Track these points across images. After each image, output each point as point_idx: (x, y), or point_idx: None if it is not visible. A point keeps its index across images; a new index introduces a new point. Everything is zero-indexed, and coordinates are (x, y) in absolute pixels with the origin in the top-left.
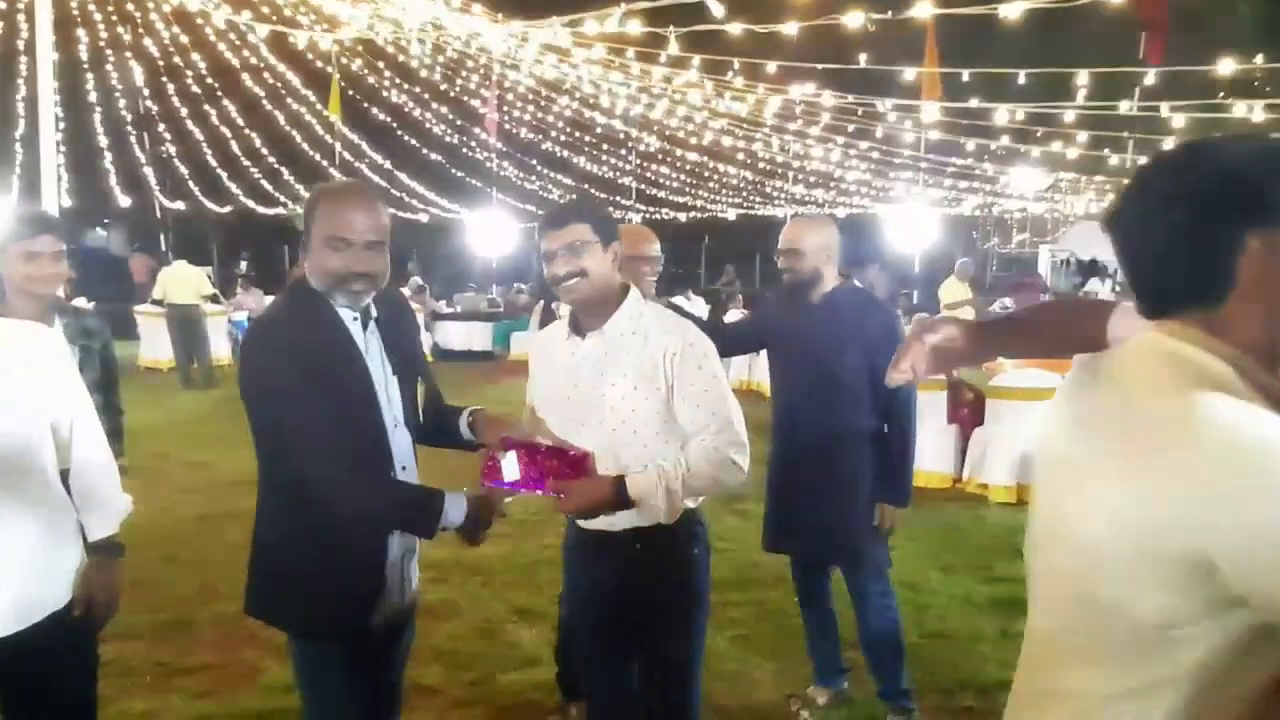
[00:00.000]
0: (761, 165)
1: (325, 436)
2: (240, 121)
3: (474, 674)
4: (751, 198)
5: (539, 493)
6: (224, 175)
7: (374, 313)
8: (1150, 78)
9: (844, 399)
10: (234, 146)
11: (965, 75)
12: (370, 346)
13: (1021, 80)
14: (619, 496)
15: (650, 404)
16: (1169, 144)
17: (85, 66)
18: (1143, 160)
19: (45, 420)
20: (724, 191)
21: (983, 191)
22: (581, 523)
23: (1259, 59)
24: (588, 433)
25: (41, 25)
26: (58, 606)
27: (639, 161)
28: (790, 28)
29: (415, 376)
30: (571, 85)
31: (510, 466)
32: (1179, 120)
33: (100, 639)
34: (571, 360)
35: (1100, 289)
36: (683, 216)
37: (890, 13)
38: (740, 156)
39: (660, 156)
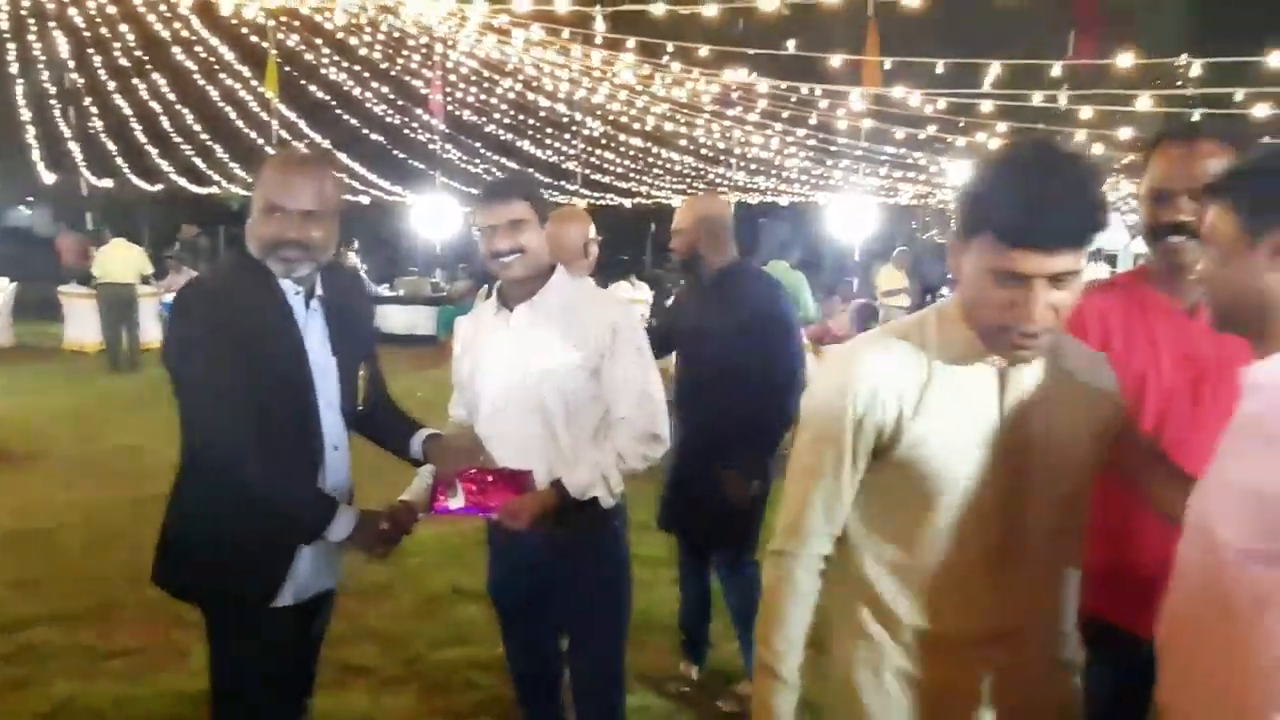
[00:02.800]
0: (704, 152)
1: (232, 407)
2: (172, 97)
3: (408, 653)
4: (695, 184)
5: (485, 515)
6: (154, 152)
7: (319, 290)
8: (1057, 69)
9: (732, 378)
10: (165, 123)
11: (888, 63)
12: (311, 323)
13: (940, 69)
14: (562, 500)
15: (579, 374)
16: (1080, 137)
17: (6, 36)
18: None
19: None
20: (668, 178)
21: (916, 181)
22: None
23: (1183, 57)
24: (514, 402)
25: None
26: None
27: (584, 146)
28: (711, 10)
29: (360, 360)
30: (515, 68)
31: (457, 498)
32: (1086, 112)
33: (22, 624)
34: (501, 333)
35: None
36: (628, 203)
37: None
38: (683, 143)
39: (604, 142)
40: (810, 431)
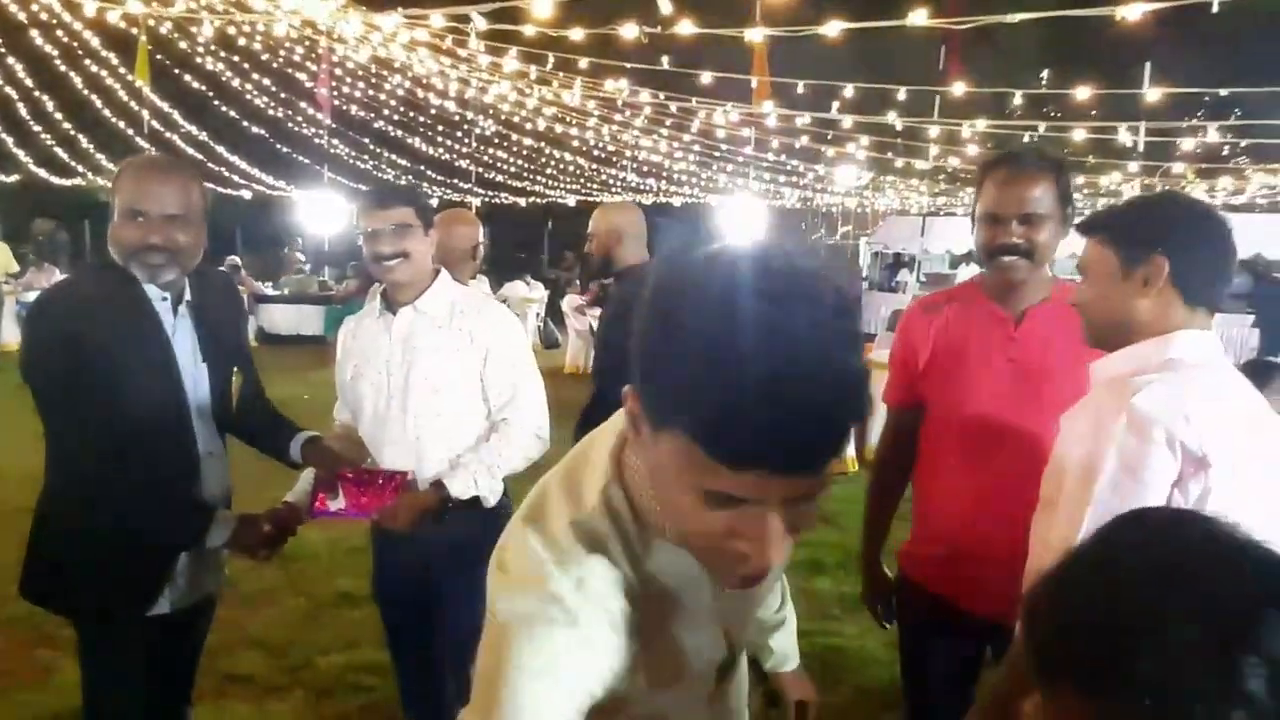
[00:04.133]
0: (596, 153)
1: (96, 419)
2: (29, 83)
3: (292, 659)
4: (589, 185)
5: (365, 517)
6: (9, 140)
7: (188, 295)
8: (902, 93)
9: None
10: (21, 109)
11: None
12: (179, 329)
13: (800, 89)
14: (442, 501)
15: (460, 376)
16: (968, 149)
17: None
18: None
19: None
20: (562, 178)
21: (800, 186)
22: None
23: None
24: (397, 405)
25: None
26: None
27: (476, 145)
28: (578, 30)
29: (232, 365)
30: (403, 64)
31: (337, 500)
32: (974, 129)
33: None
34: (383, 336)
35: (909, 279)
36: (523, 201)
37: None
38: (575, 144)
39: (497, 140)
40: None
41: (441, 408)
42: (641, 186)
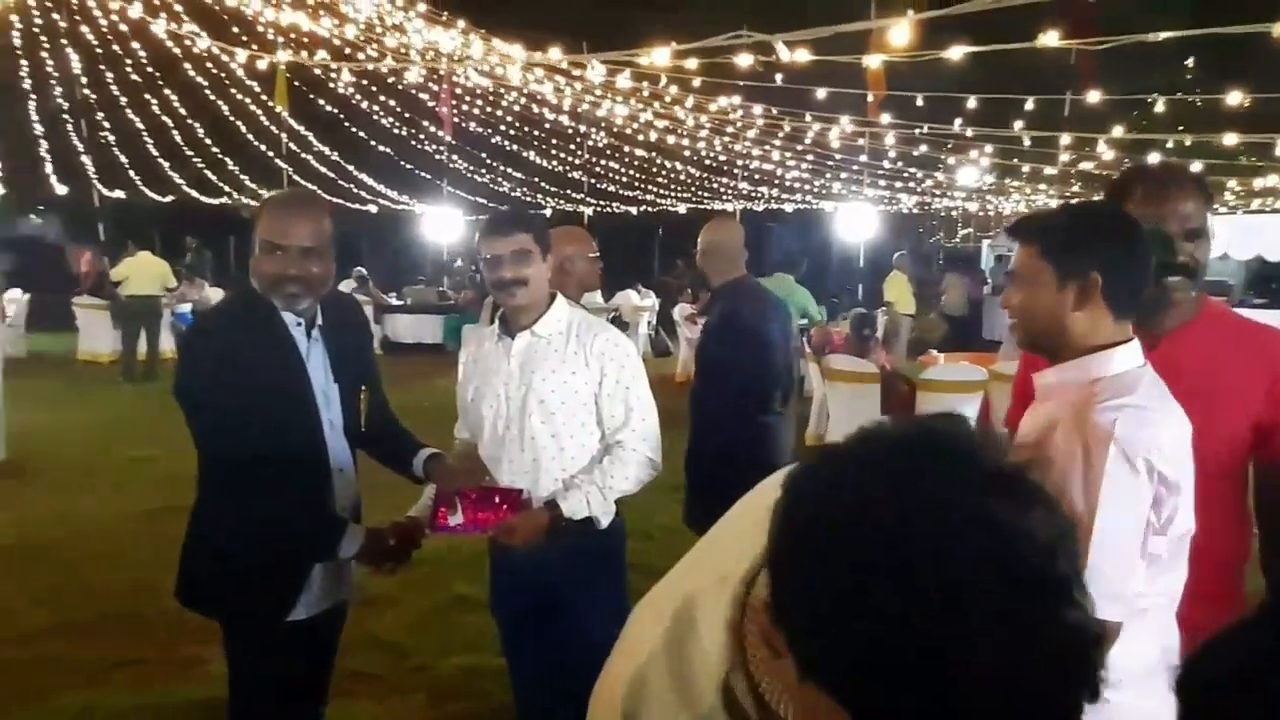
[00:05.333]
0: (707, 162)
1: (241, 439)
2: (182, 110)
3: (414, 661)
4: (700, 193)
5: (481, 532)
6: (165, 164)
7: (319, 320)
8: (1030, 103)
9: (721, 384)
10: (176, 135)
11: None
12: (313, 352)
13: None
14: (555, 519)
15: (574, 398)
16: (1104, 153)
17: (19, 53)
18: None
19: None
20: (674, 186)
21: (918, 191)
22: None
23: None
24: (515, 426)
25: None
26: None
27: (589, 157)
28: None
29: (360, 384)
30: (520, 85)
31: (457, 515)
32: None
33: (35, 635)
34: (502, 360)
35: None
36: (634, 210)
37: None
38: (686, 154)
39: (609, 152)
40: None
41: (557, 429)
42: (753, 194)
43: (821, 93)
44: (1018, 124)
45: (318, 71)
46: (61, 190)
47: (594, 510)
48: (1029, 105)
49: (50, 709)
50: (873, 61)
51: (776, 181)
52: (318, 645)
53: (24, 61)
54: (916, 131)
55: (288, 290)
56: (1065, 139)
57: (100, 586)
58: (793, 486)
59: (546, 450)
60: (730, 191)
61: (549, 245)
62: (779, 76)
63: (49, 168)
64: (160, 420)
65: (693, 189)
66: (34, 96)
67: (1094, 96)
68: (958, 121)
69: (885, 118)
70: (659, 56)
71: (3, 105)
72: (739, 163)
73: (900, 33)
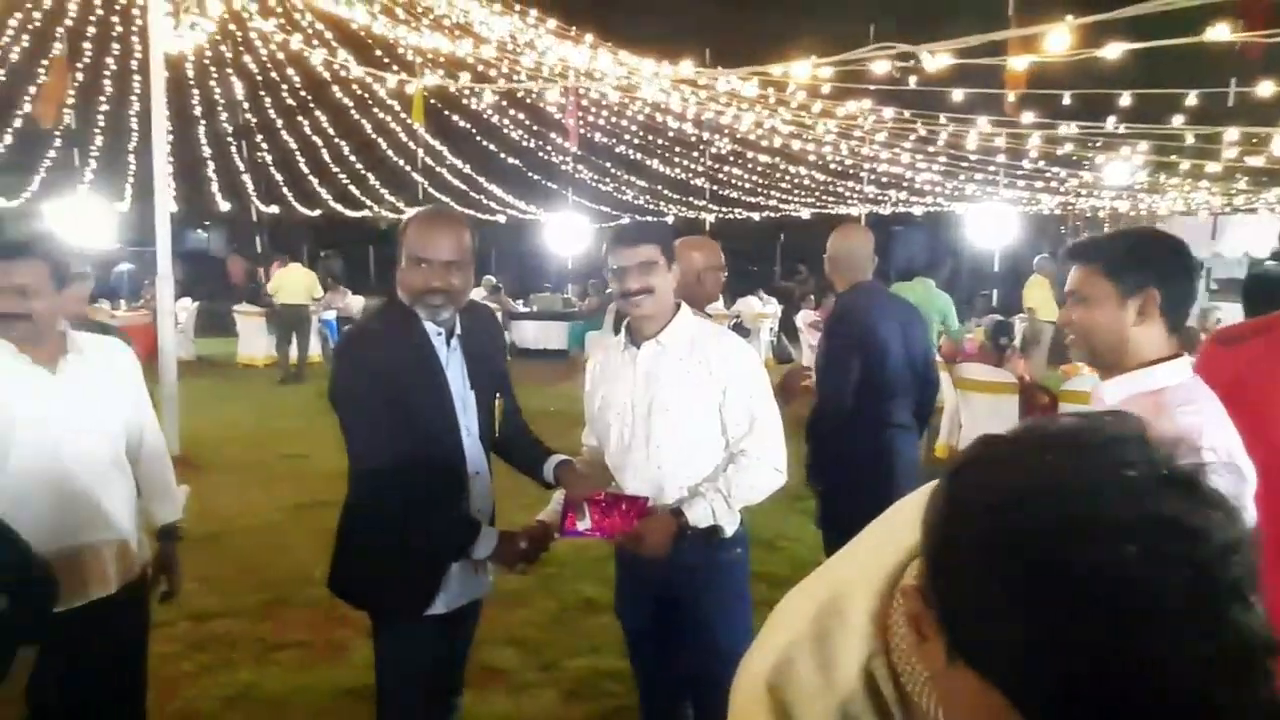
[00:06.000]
0: (833, 167)
1: (387, 443)
2: (330, 130)
3: (543, 658)
4: (825, 198)
5: (607, 538)
6: (314, 180)
7: (458, 330)
8: (1192, 98)
9: (836, 391)
10: (324, 154)
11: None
12: (451, 361)
13: (1066, 101)
14: (680, 527)
15: (699, 408)
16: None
17: (190, 83)
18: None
19: (128, 418)
20: (797, 191)
21: (1060, 191)
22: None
23: None
24: (640, 435)
25: (155, 47)
26: (132, 578)
27: (711, 164)
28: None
29: (495, 391)
30: (645, 94)
31: (584, 520)
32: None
33: (207, 615)
34: (628, 369)
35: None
36: (756, 216)
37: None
38: (811, 158)
39: (732, 158)
40: None
41: (681, 439)
42: (880, 197)
43: (958, 94)
44: (1177, 118)
45: (453, 89)
46: (225, 207)
47: (719, 519)
48: (1191, 100)
49: (219, 683)
50: (1020, 63)
51: (905, 184)
52: (455, 639)
53: (195, 90)
54: (1062, 129)
55: (432, 301)
56: (1232, 134)
57: (261, 574)
58: (956, 474)
59: (671, 459)
60: (856, 195)
61: (674, 257)
62: (913, 79)
63: (214, 186)
64: (309, 420)
65: (817, 194)
66: (203, 122)
67: (1266, 89)
68: (1111, 120)
69: (1028, 116)
70: (798, 71)
71: (176, 130)
72: (866, 166)
73: (1059, 37)
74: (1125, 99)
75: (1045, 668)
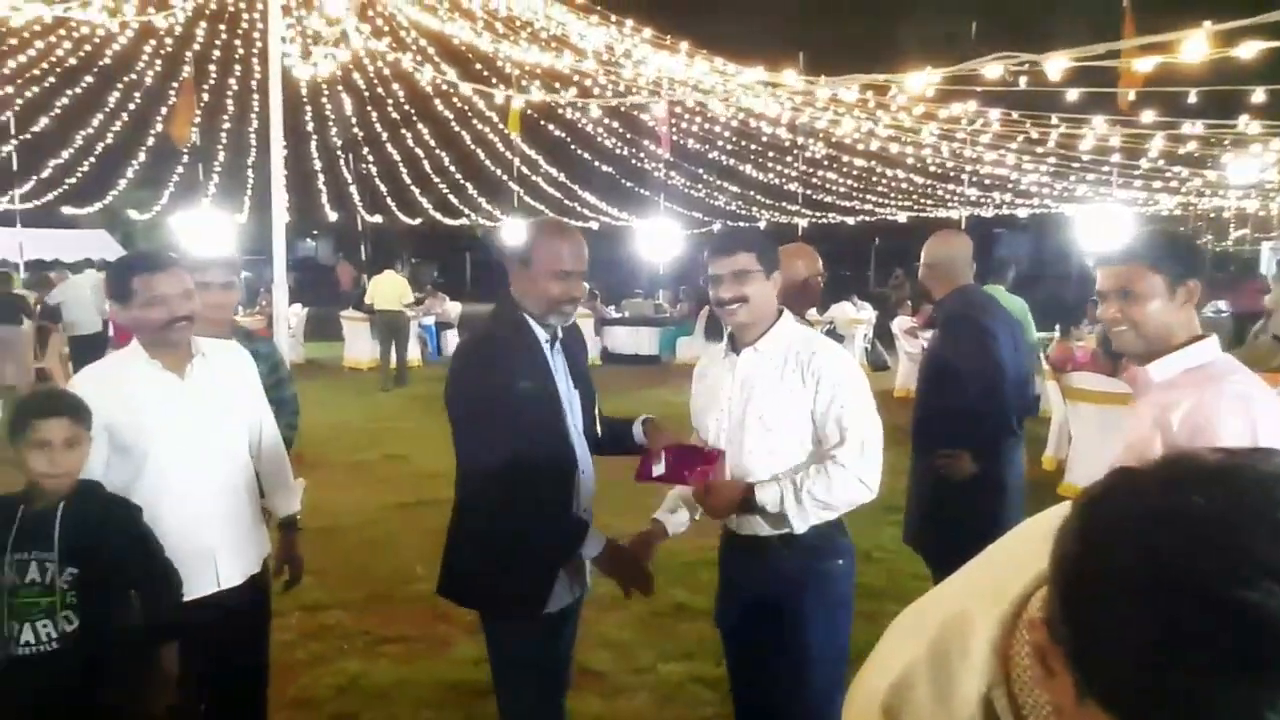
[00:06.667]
0: (932, 169)
1: (509, 451)
2: (431, 142)
3: (637, 662)
4: (923, 201)
5: (680, 484)
6: (416, 190)
7: (560, 334)
8: None
9: (949, 402)
10: (425, 164)
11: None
12: (557, 364)
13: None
14: (746, 501)
15: (793, 415)
16: None
17: (304, 100)
18: None
19: (249, 418)
20: (894, 195)
21: (1182, 191)
22: (734, 527)
23: None
24: (735, 441)
25: (273, 66)
26: (254, 571)
27: (805, 168)
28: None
29: (591, 390)
30: (737, 101)
31: (659, 465)
32: None
33: (319, 607)
34: (727, 375)
35: None
36: (850, 220)
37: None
38: (910, 161)
39: (827, 162)
40: None
41: (774, 445)
42: (982, 200)
43: (1073, 94)
44: None
45: (551, 102)
46: (332, 216)
47: (786, 507)
48: None
49: (331, 671)
50: (1145, 65)
51: (1010, 186)
52: (560, 639)
53: (308, 106)
54: (1186, 128)
55: (567, 310)
56: None
57: (366, 569)
58: (1093, 504)
59: (763, 465)
60: (956, 198)
61: (776, 264)
62: (1023, 80)
63: (324, 197)
64: (409, 422)
65: (915, 197)
66: (315, 137)
67: None
68: (1244, 118)
69: (1146, 113)
70: (914, 82)
71: (289, 145)
72: (969, 168)
73: (1195, 46)
74: (1259, 95)
75: (1189, 714)
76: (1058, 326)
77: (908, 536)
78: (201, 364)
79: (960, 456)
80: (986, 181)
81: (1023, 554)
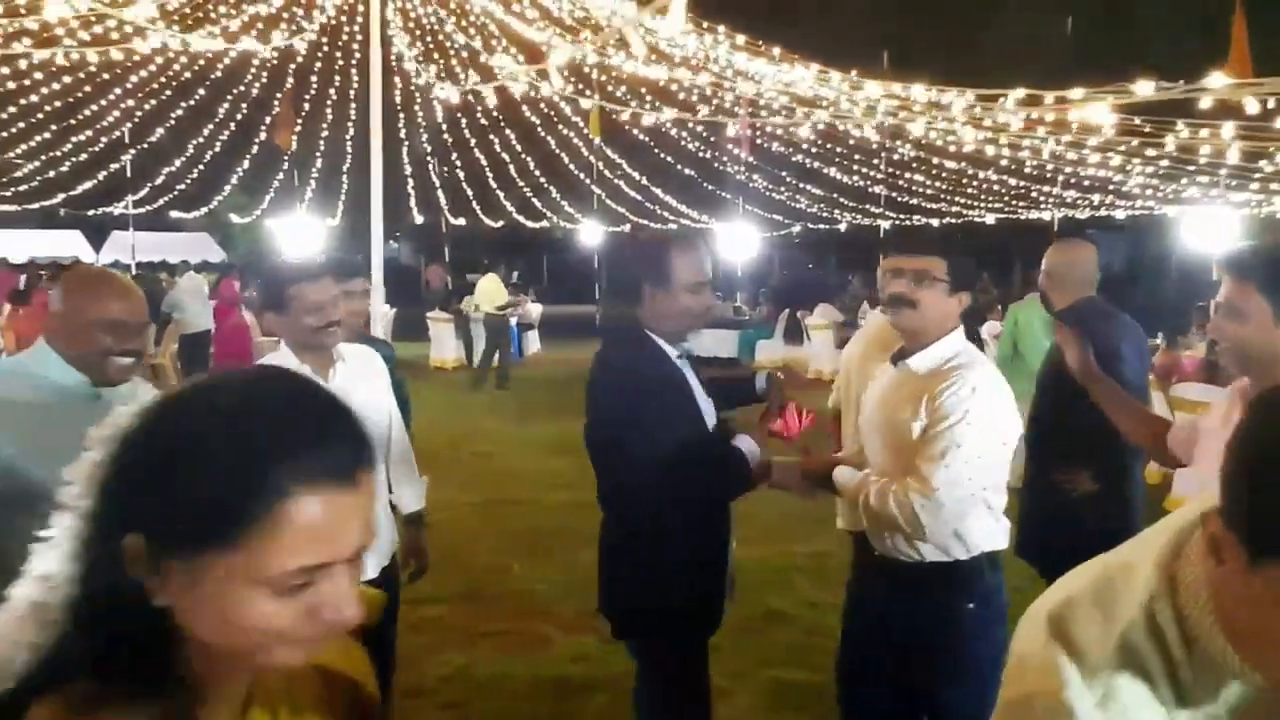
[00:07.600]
0: (1028, 171)
1: (655, 468)
2: (518, 146)
3: (733, 666)
4: (1015, 202)
5: (791, 439)
6: (500, 194)
7: (689, 349)
8: None
9: (1073, 414)
10: (511, 169)
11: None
12: (690, 378)
13: None
14: (824, 481)
15: (902, 438)
16: None
17: (398, 109)
18: None
19: (384, 418)
20: (983, 196)
21: None
22: (872, 539)
23: None
24: (866, 442)
25: (374, 77)
26: (385, 563)
27: (891, 170)
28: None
29: (721, 399)
30: (825, 102)
31: (777, 423)
32: None
33: (421, 600)
34: (878, 383)
35: None
36: (935, 222)
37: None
38: (1004, 162)
39: (914, 165)
40: None
41: (885, 464)
42: (1079, 201)
43: (1205, 102)
44: None
45: (633, 104)
46: (420, 219)
47: (862, 506)
48: None
49: (439, 662)
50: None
51: (1112, 186)
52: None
53: (400, 114)
54: None
55: (704, 322)
56: None
57: (462, 564)
58: (1267, 405)
59: (877, 469)
60: (1049, 199)
61: (964, 285)
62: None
63: (412, 200)
64: (497, 421)
65: (1006, 198)
66: (406, 143)
67: None
68: None
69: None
70: (1096, 112)
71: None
72: (1067, 169)
73: None
74: None
75: None
76: (1160, 335)
77: (1022, 550)
78: (343, 368)
79: (1079, 474)
80: (1086, 183)
81: (1170, 522)
